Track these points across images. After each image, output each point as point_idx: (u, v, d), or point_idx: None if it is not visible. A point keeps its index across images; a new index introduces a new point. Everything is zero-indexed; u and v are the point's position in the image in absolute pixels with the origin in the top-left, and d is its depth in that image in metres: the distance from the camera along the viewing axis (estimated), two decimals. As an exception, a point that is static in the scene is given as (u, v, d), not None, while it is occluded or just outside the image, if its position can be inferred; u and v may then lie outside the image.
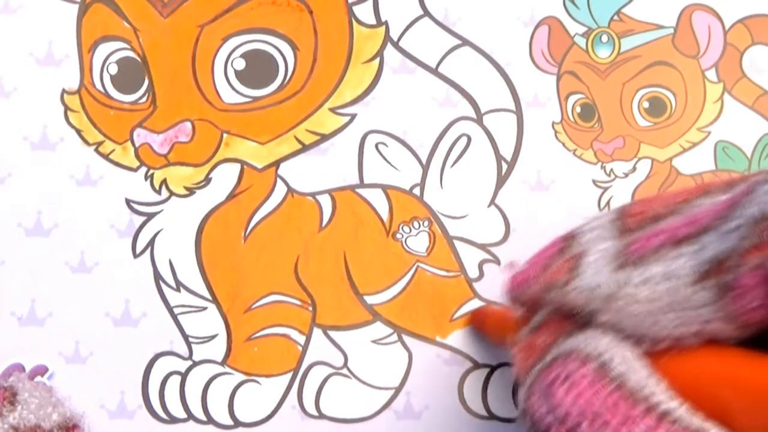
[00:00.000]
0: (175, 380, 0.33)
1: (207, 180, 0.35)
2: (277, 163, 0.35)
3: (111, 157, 0.35)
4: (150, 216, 0.34)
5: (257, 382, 0.33)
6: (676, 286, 0.17)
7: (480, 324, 0.32)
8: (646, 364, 0.18)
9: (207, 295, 0.34)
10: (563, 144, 0.35)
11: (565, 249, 0.21)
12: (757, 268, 0.16)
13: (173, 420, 0.33)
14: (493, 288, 0.34)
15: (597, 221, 0.21)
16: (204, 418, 0.33)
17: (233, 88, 0.35)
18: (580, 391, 0.18)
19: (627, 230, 0.20)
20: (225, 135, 0.35)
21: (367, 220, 0.34)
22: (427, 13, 0.36)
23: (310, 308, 0.34)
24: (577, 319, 0.20)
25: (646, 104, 0.35)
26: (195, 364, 0.33)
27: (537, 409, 0.19)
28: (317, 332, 0.34)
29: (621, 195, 0.35)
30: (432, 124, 0.35)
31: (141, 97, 0.35)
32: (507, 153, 0.35)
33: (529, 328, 0.22)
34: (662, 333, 0.18)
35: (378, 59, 0.36)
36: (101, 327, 0.33)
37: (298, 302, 0.34)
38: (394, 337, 0.34)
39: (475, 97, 0.35)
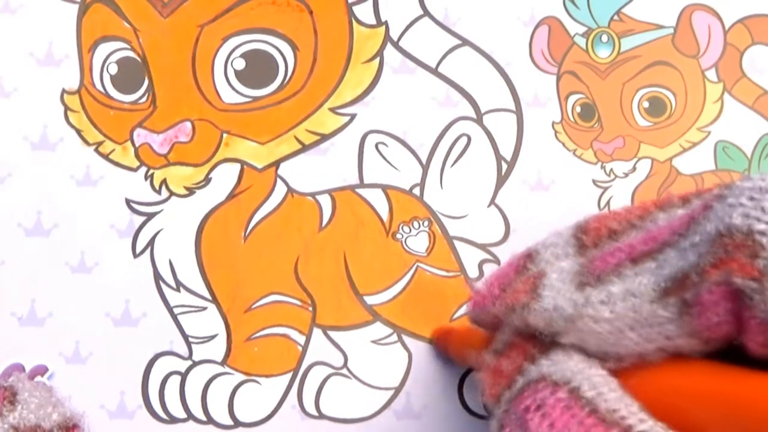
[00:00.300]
0: (175, 380, 0.33)
1: (207, 180, 0.35)
2: (277, 163, 0.35)
3: (111, 157, 0.35)
4: (150, 216, 0.34)
5: (257, 382, 0.33)
6: (638, 304, 0.17)
7: (442, 342, 0.32)
8: (616, 385, 0.18)
9: (207, 295, 0.34)
10: (563, 144, 0.35)
11: (524, 268, 0.21)
12: (718, 284, 0.16)
13: (173, 420, 0.33)
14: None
15: (554, 238, 0.21)
16: (204, 418, 0.33)
17: (233, 88, 0.35)
18: (553, 420, 0.18)
19: (584, 246, 0.20)
20: (225, 135, 0.35)
21: (367, 220, 0.34)
22: (427, 13, 0.36)
23: (310, 308, 0.34)
24: (540, 339, 0.20)
25: (646, 104, 0.35)
26: (195, 364, 0.33)
27: None
28: (317, 332, 0.34)
29: (621, 195, 0.35)
30: (432, 124, 0.35)
31: (141, 97, 0.35)
32: (507, 153, 0.35)
33: (493, 351, 0.22)
34: (626, 350, 0.18)
35: (378, 59, 0.36)
36: (101, 327, 0.33)
37: (298, 302, 0.34)
38: (394, 337, 0.34)
39: (475, 97, 0.35)
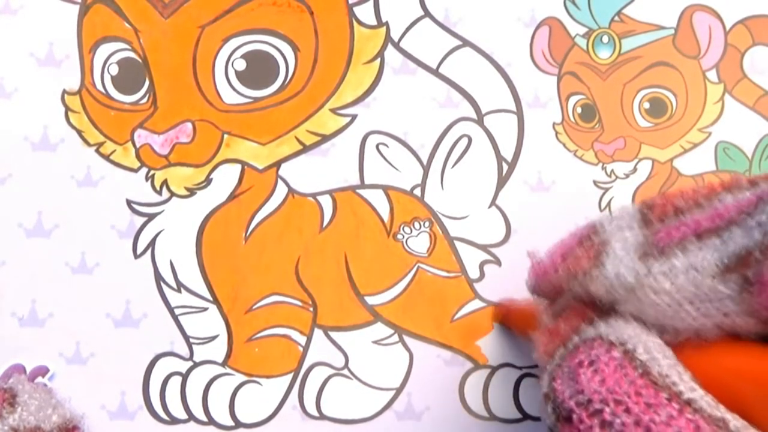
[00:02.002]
0: (176, 381, 0.33)
1: (208, 181, 0.35)
2: (277, 164, 0.35)
3: (112, 157, 0.35)
4: (151, 217, 0.34)
5: (258, 382, 0.33)
6: (699, 278, 0.18)
7: (504, 318, 0.32)
8: (671, 353, 0.18)
9: (208, 295, 0.34)
10: (564, 145, 0.35)
11: (587, 239, 0.21)
12: None
13: (174, 421, 0.33)
14: (494, 289, 0.34)
15: (619, 212, 0.21)
16: (205, 419, 0.33)
17: (234, 89, 0.35)
18: (605, 376, 0.18)
19: (649, 221, 0.20)
20: (226, 136, 0.35)
21: (368, 221, 0.34)
22: (427, 13, 0.36)
23: (311, 309, 0.34)
24: (599, 306, 0.20)
25: (646, 105, 0.35)
26: (196, 364, 0.33)
27: (561, 393, 0.19)
28: (318, 333, 0.34)
29: (622, 196, 0.35)
30: (433, 125, 0.35)
31: (142, 98, 0.35)
32: (508, 154, 0.35)
33: (551, 313, 0.22)
34: (683, 324, 0.18)
35: (379, 60, 0.36)
36: (102, 328, 0.33)
37: (298, 303, 0.34)
38: (395, 337, 0.34)
39: (475, 97, 0.35)
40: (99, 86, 0.35)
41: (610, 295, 0.20)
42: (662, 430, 0.16)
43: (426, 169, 0.35)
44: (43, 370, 0.33)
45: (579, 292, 0.21)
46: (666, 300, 0.18)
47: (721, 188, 0.20)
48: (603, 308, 0.20)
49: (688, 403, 0.17)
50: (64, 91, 0.35)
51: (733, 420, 0.16)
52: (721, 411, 0.16)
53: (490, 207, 0.35)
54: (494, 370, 0.33)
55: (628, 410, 0.17)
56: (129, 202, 0.35)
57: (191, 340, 0.34)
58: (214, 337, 0.34)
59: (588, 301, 0.21)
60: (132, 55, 0.36)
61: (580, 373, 0.18)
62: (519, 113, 0.35)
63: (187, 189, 0.35)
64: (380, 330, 0.34)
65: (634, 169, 0.35)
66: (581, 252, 0.21)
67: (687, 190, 0.20)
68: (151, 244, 0.34)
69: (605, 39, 0.36)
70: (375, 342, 0.34)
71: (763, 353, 0.17)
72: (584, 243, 0.21)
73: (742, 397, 0.17)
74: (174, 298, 0.34)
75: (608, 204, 0.35)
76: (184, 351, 0.33)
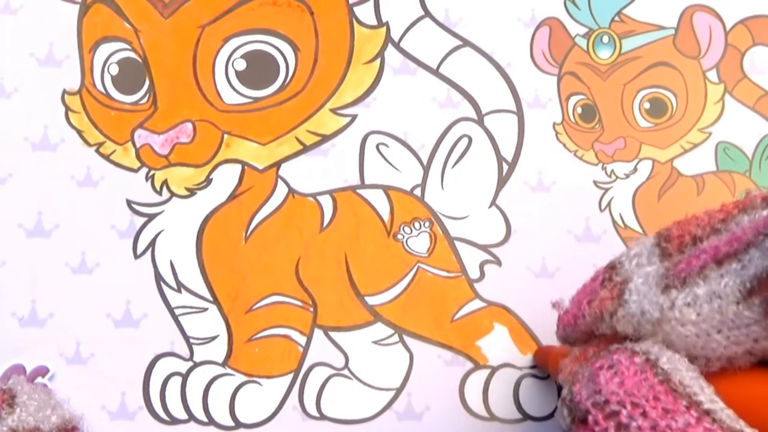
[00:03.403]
0: (176, 381, 0.33)
1: (208, 181, 0.35)
2: (278, 164, 0.35)
3: (112, 157, 0.35)
4: (151, 217, 0.34)
5: (258, 383, 0.33)
6: (723, 306, 0.17)
7: (543, 363, 0.32)
8: (696, 371, 0.18)
9: (208, 296, 0.34)
10: (564, 145, 0.35)
11: (609, 280, 0.21)
12: None
13: (174, 421, 0.33)
14: (494, 289, 0.34)
15: (637, 248, 0.21)
16: (205, 419, 0.33)
17: (234, 89, 0.35)
18: (624, 378, 0.18)
19: (668, 254, 0.20)
20: (226, 136, 0.35)
21: (368, 221, 0.34)
22: (428, 13, 0.36)
23: (311, 309, 0.34)
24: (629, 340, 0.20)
25: (647, 105, 0.35)
26: (196, 365, 0.33)
27: (578, 393, 0.19)
28: (318, 333, 0.34)
29: (622, 196, 0.35)
30: (433, 125, 0.35)
31: (142, 98, 0.35)
32: (508, 154, 0.35)
33: (581, 345, 0.22)
34: (714, 354, 0.18)
35: (379, 60, 0.36)
36: (102, 328, 0.33)
37: (299, 303, 0.34)
38: (395, 337, 0.33)
39: (476, 97, 0.35)
40: (99, 86, 0.35)
41: (638, 332, 0.19)
42: None
43: (426, 169, 0.35)
44: (43, 371, 0.33)
45: (607, 333, 0.21)
46: (693, 331, 0.18)
47: (737, 210, 0.19)
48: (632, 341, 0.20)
49: (707, 413, 0.16)
50: (64, 91, 0.35)
51: None
52: (740, 425, 0.16)
53: (490, 207, 0.35)
54: (494, 370, 0.33)
55: (645, 414, 0.17)
56: (129, 202, 0.35)
57: (191, 341, 0.34)
58: (214, 338, 0.34)
59: (618, 338, 0.21)
60: (132, 55, 0.36)
61: (600, 375, 0.18)
62: (519, 113, 0.35)
63: (187, 189, 0.35)
64: (380, 330, 0.34)
65: (635, 169, 0.35)
66: (605, 293, 0.21)
67: (702, 216, 0.20)
68: (151, 244, 0.34)
69: (605, 39, 0.36)
70: (375, 342, 0.34)
71: None
72: (606, 284, 0.21)
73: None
74: (174, 298, 0.34)
75: (608, 204, 0.35)
76: (184, 351, 0.33)
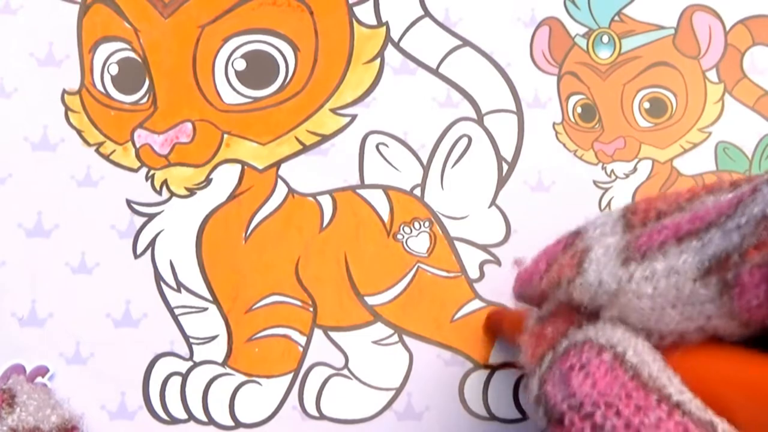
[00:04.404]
0: (176, 381, 0.33)
1: (208, 181, 0.35)
2: (277, 164, 0.35)
3: (112, 157, 0.35)
4: (151, 217, 0.34)
5: (258, 382, 0.33)
6: (680, 282, 0.18)
7: (497, 327, 0.32)
8: (660, 357, 0.18)
9: (208, 295, 0.34)
10: (564, 145, 0.35)
11: (571, 245, 0.21)
12: (759, 266, 0.16)
13: (174, 421, 0.33)
14: (494, 289, 0.34)
15: (602, 219, 0.21)
16: (205, 419, 0.33)
17: (234, 89, 0.35)
18: (596, 379, 0.18)
19: (632, 226, 0.20)
20: (226, 136, 0.35)
21: (368, 221, 0.34)
22: (427, 13, 0.36)
23: (311, 309, 0.34)
24: (584, 312, 0.20)
25: (646, 105, 0.35)
26: (196, 364, 0.33)
27: (553, 396, 0.19)
28: (318, 333, 0.34)
29: (622, 196, 0.35)
30: (433, 125, 0.35)
31: (142, 98, 0.35)
32: (508, 154, 0.35)
33: (537, 318, 0.22)
34: (667, 328, 0.18)
35: (379, 60, 0.36)
36: (102, 328, 0.33)
37: (298, 303, 0.34)
38: (395, 337, 0.34)
39: (475, 97, 0.35)
40: (99, 86, 0.35)
41: (594, 302, 0.20)
42: None
43: (426, 169, 0.35)
44: (42, 370, 0.33)
45: (563, 299, 0.21)
46: (648, 304, 0.18)
47: (704, 191, 0.20)
48: (588, 313, 0.20)
49: (678, 405, 0.17)
50: (64, 91, 0.35)
51: (721, 424, 0.16)
52: (709, 414, 0.17)
53: (490, 207, 0.35)
54: (494, 370, 0.33)
55: (618, 413, 0.17)
56: (129, 202, 0.35)
57: (191, 340, 0.34)
58: (214, 337, 0.34)
59: (573, 307, 0.21)
60: (132, 55, 0.36)
61: (572, 377, 0.18)
62: (519, 113, 0.35)
63: (187, 189, 0.35)
64: (380, 330, 0.34)
65: (634, 169, 0.35)
66: (565, 260, 0.21)
67: (671, 194, 0.20)
68: (151, 244, 0.34)
69: (605, 39, 0.36)
70: (375, 342, 0.34)
71: (748, 358, 0.17)
72: (568, 250, 0.21)
73: (728, 402, 0.17)
74: (174, 298, 0.34)
75: (608, 204, 0.35)
76: (184, 351, 0.33)
